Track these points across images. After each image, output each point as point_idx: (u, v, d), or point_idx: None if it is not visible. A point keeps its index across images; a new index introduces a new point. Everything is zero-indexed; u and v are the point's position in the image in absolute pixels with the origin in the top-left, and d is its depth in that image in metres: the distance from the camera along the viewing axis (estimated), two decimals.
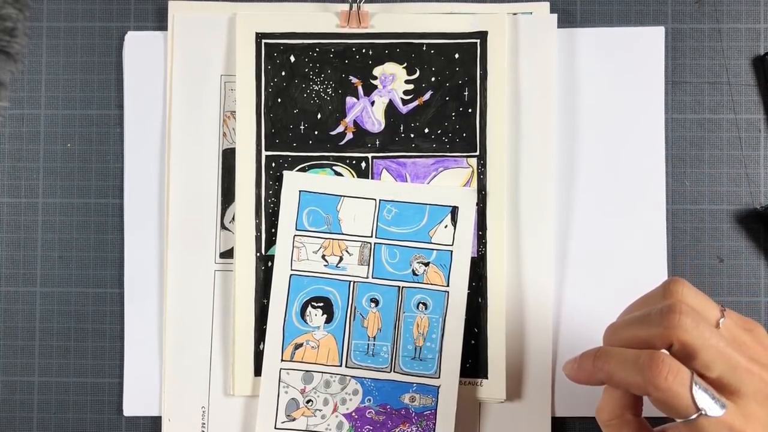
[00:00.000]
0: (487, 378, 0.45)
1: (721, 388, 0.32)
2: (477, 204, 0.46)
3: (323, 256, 0.45)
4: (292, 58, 0.46)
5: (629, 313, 0.36)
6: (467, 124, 0.46)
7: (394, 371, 0.45)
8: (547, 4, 0.47)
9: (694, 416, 0.31)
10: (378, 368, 0.45)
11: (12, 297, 0.47)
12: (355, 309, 0.45)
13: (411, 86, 0.46)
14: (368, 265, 0.45)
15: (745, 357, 0.32)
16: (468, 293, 0.45)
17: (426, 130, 0.46)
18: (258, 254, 0.46)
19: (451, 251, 0.45)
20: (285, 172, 0.46)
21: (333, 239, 0.45)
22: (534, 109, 0.46)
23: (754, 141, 0.47)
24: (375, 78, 0.46)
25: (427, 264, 0.45)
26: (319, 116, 0.46)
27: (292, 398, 0.45)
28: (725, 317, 0.34)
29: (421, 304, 0.45)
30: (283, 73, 0.46)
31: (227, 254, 0.46)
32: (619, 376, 0.33)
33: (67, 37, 0.48)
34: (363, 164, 0.46)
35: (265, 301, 0.46)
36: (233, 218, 0.46)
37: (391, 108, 0.46)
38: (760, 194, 0.47)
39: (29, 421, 0.47)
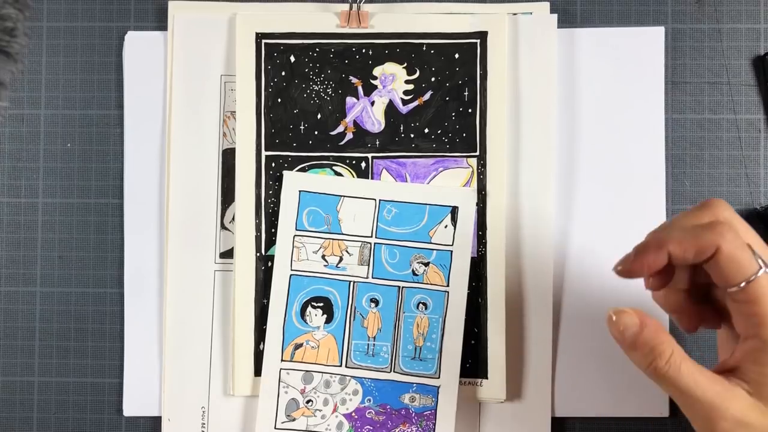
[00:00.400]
0: (487, 378, 0.45)
1: None
2: (477, 204, 0.46)
3: (323, 256, 0.45)
4: (292, 58, 0.46)
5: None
6: (467, 124, 0.46)
7: (394, 371, 0.45)
8: (547, 4, 0.47)
9: (758, 273, 0.33)
10: (378, 368, 0.45)
11: (12, 297, 0.47)
12: (355, 309, 0.45)
13: (411, 86, 0.46)
14: (368, 265, 0.45)
15: None
16: (468, 293, 0.45)
17: (426, 130, 0.46)
18: (258, 254, 0.46)
19: (451, 251, 0.45)
20: (285, 172, 0.46)
21: (333, 239, 0.45)
22: (534, 109, 0.46)
23: (754, 141, 0.47)
24: (375, 78, 0.46)
25: (427, 264, 0.45)
26: (319, 116, 0.46)
27: (292, 398, 0.45)
28: None
29: (421, 304, 0.45)
30: (283, 73, 0.46)
31: (227, 254, 0.46)
32: (687, 242, 0.34)
33: (67, 37, 0.48)
34: (363, 164, 0.46)
35: (265, 301, 0.46)
36: (233, 218, 0.46)
37: (391, 108, 0.46)
38: (760, 194, 0.47)
39: (29, 421, 0.47)
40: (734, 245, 0.33)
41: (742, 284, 0.33)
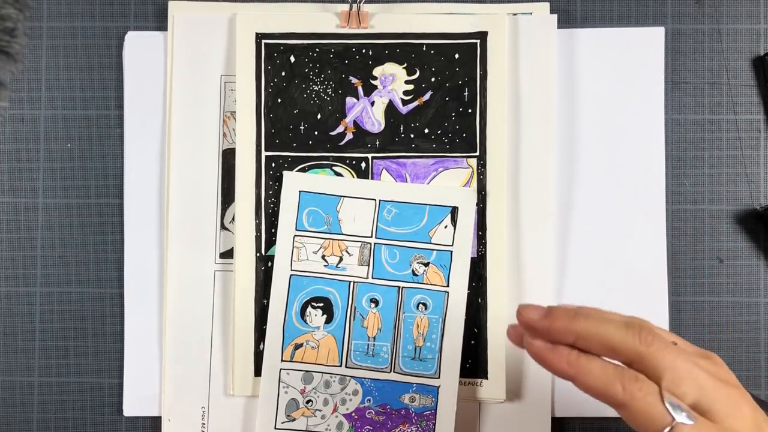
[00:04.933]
0: (487, 378, 0.45)
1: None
2: (477, 204, 0.46)
3: (323, 257, 0.45)
4: (292, 59, 0.46)
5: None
6: (467, 125, 0.46)
7: (394, 371, 0.45)
8: (547, 4, 0.47)
9: (668, 428, 0.31)
10: (378, 368, 0.45)
11: (12, 297, 0.47)
12: (355, 309, 0.45)
13: (411, 86, 0.46)
14: (368, 265, 0.45)
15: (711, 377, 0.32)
16: (468, 293, 0.45)
17: (426, 131, 0.46)
18: (258, 254, 0.46)
19: (451, 251, 0.45)
20: (285, 173, 0.46)
21: (333, 239, 0.46)
22: (534, 109, 0.46)
23: (753, 141, 0.47)
24: (375, 78, 0.46)
25: (427, 264, 0.45)
26: (319, 116, 0.46)
27: (292, 398, 0.45)
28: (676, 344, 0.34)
29: (421, 305, 0.45)
30: (283, 74, 0.46)
31: (227, 254, 0.46)
32: (597, 382, 0.33)
33: (67, 37, 0.48)
34: (363, 164, 0.46)
35: (265, 301, 0.46)
36: (233, 218, 0.46)
37: (391, 108, 0.46)
38: (759, 195, 0.47)
39: (29, 421, 0.47)
40: (644, 403, 0.32)
41: None
